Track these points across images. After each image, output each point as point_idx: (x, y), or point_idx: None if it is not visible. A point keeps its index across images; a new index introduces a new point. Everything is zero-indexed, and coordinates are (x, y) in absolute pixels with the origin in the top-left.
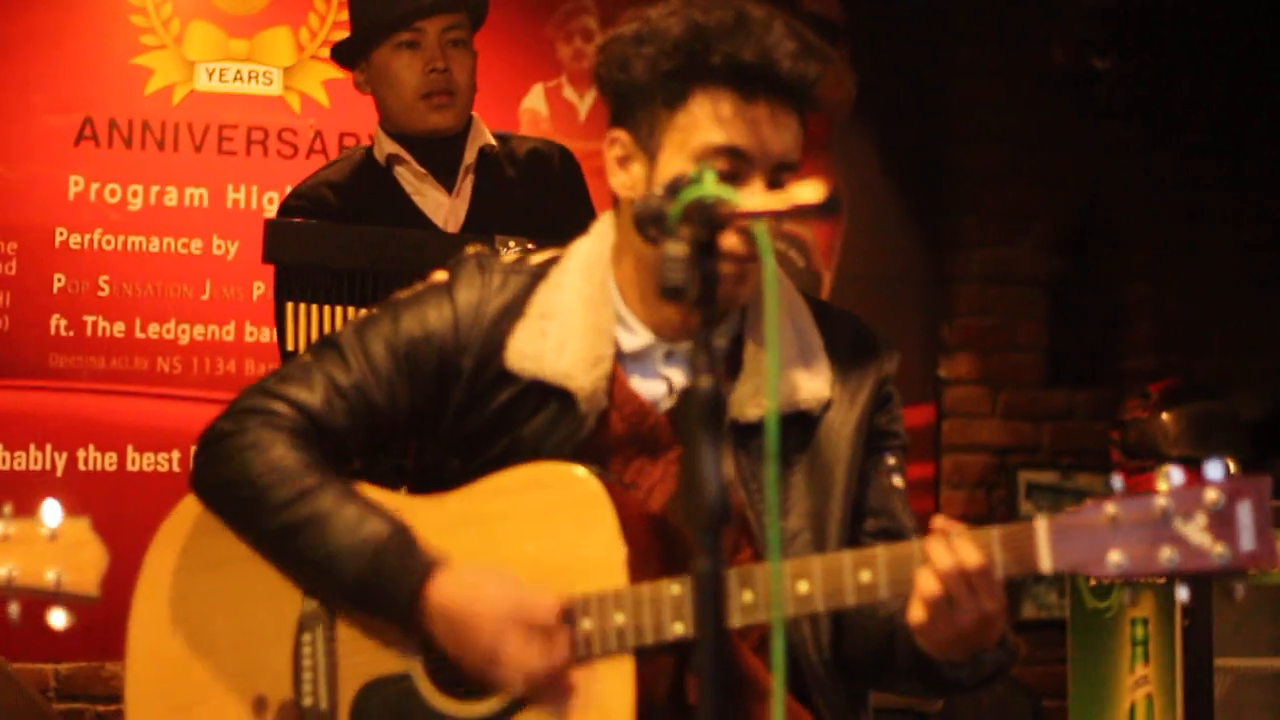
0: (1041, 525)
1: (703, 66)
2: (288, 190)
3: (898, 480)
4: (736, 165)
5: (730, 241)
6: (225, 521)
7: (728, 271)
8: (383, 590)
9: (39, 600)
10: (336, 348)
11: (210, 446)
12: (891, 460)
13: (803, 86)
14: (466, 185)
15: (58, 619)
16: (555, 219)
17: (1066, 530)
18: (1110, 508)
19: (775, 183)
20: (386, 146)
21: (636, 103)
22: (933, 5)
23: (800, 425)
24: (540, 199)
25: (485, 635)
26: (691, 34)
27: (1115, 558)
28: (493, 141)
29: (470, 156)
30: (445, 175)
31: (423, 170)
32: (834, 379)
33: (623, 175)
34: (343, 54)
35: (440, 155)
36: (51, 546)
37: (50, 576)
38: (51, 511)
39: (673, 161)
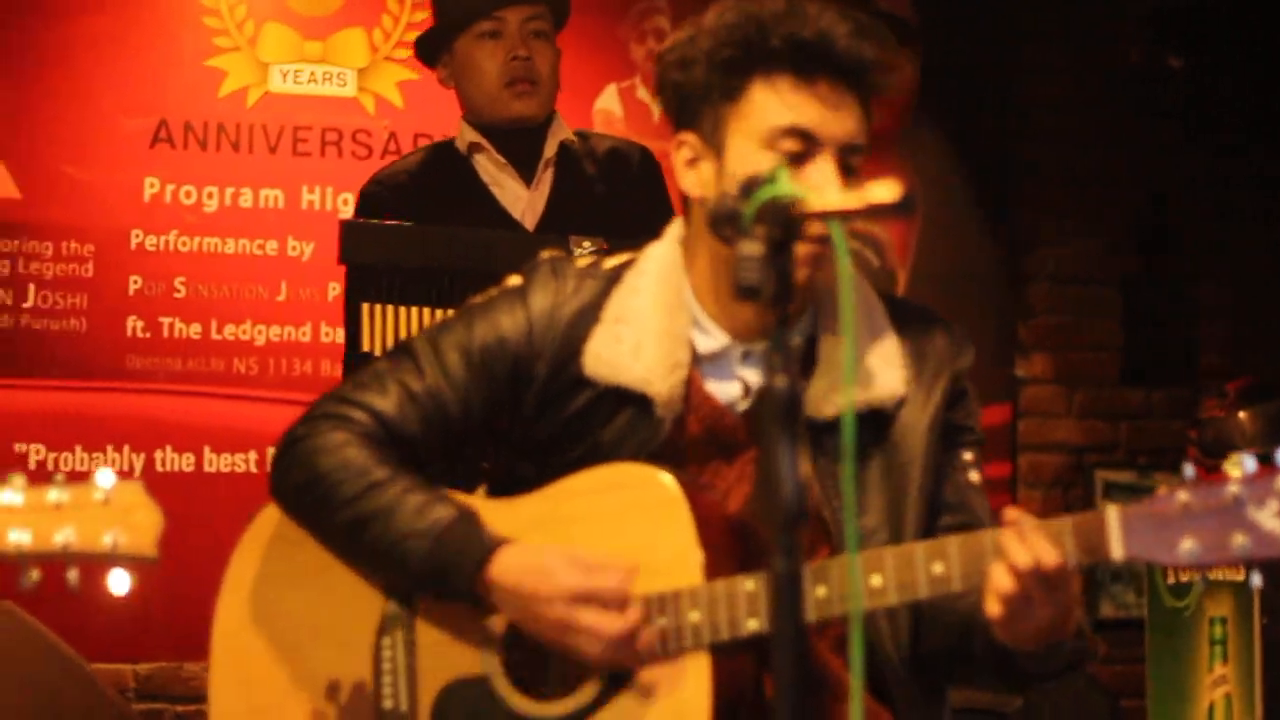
0: (1113, 514)
1: (760, 52)
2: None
3: (974, 475)
4: (804, 144)
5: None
6: (300, 522)
7: (805, 252)
8: (448, 570)
9: (99, 567)
10: (410, 354)
11: (285, 452)
12: (967, 455)
13: (860, 66)
14: (545, 179)
15: (118, 582)
16: (633, 218)
17: (1138, 518)
18: (1182, 495)
19: (845, 166)
20: (469, 135)
21: (698, 102)
22: (1004, 4)
23: (875, 422)
24: (619, 197)
25: (556, 606)
26: (746, 22)
27: (1187, 545)
28: (573, 137)
29: (550, 150)
30: (525, 167)
31: (502, 160)
32: (909, 375)
33: (692, 176)
34: (425, 47)
35: (521, 147)
36: (106, 510)
37: (107, 540)
38: (103, 477)
39: (740, 152)
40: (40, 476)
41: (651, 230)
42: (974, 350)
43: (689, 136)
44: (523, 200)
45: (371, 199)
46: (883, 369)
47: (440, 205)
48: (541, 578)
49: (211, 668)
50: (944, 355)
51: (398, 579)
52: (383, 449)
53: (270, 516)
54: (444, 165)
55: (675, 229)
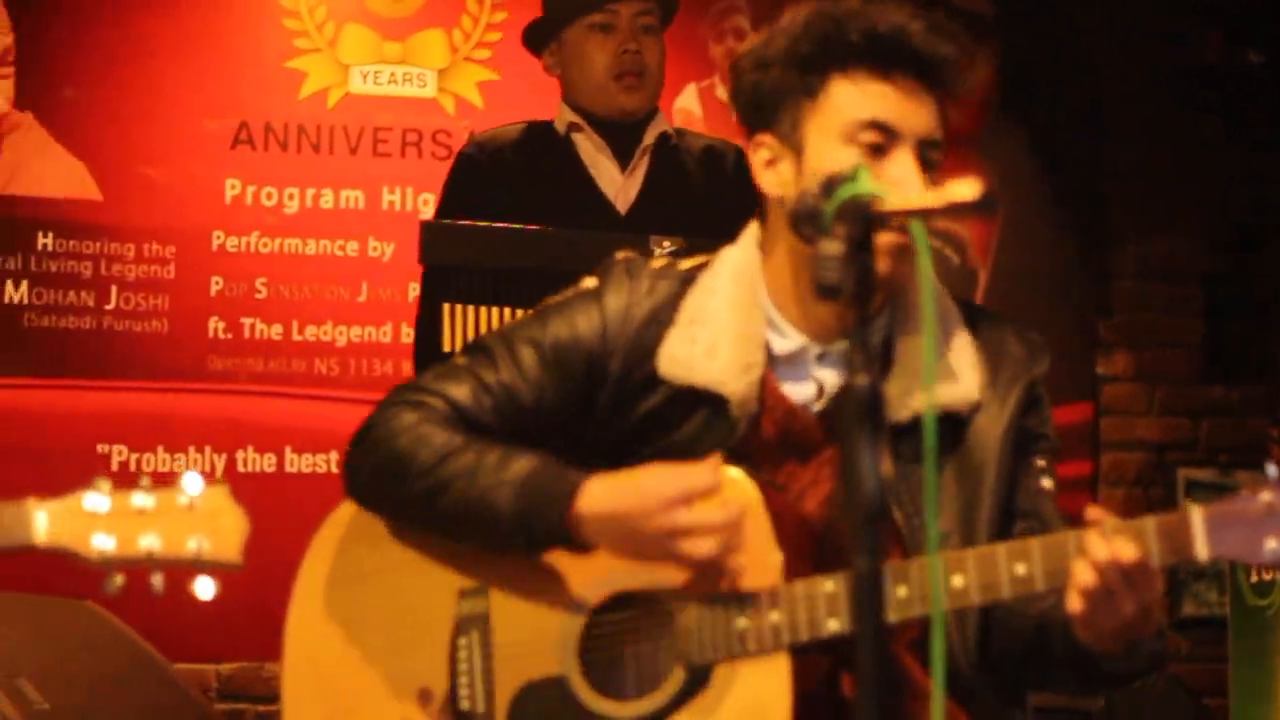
0: (1197, 514)
1: (838, 47)
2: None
3: (1046, 482)
4: (883, 137)
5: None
6: (377, 503)
7: (888, 242)
8: (537, 513)
9: (183, 573)
10: (484, 349)
11: (360, 440)
12: (1041, 462)
13: (936, 62)
14: (641, 167)
15: (203, 588)
16: (724, 215)
17: (1222, 518)
18: (1266, 495)
19: (925, 161)
20: (568, 116)
21: (776, 101)
22: (1084, 1)
23: (949, 426)
24: (712, 194)
25: (656, 518)
26: (823, 20)
27: (1272, 544)
28: (672, 130)
29: (649, 139)
30: (622, 153)
31: (601, 141)
32: (984, 381)
33: (771, 176)
34: (535, 35)
35: (620, 134)
36: (191, 516)
37: (192, 546)
38: (190, 481)
39: (820, 148)
40: (122, 477)
41: (738, 229)
42: (1049, 357)
43: (767, 137)
44: (617, 184)
45: (469, 162)
46: (958, 373)
47: (536, 179)
48: (634, 495)
49: (284, 669)
50: (1020, 361)
51: (486, 535)
52: (457, 428)
53: (343, 516)
54: (543, 140)
55: (751, 231)
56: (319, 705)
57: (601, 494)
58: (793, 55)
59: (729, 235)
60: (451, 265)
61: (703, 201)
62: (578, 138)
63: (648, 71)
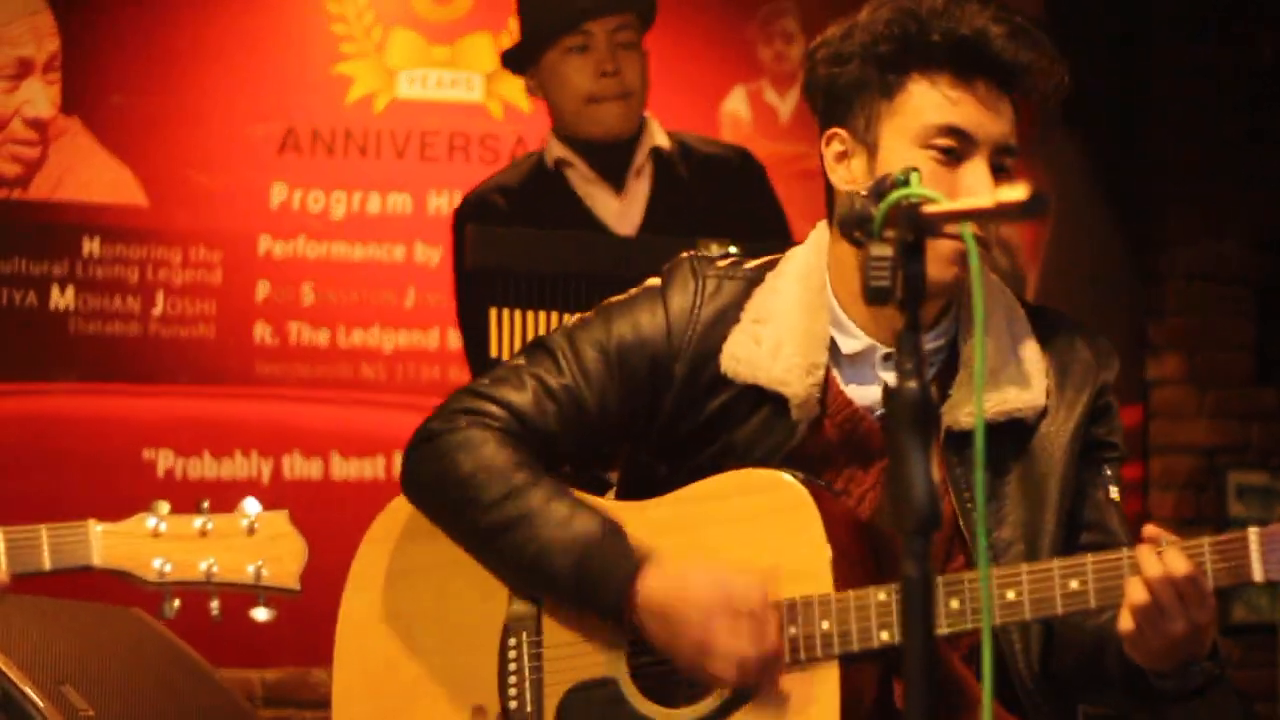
0: (1253, 535)
1: (919, 48)
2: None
3: (1114, 492)
4: (959, 144)
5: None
6: (434, 520)
7: (952, 250)
8: (593, 585)
9: (242, 597)
10: (548, 350)
11: (421, 445)
12: (1108, 471)
13: (1016, 68)
14: (638, 186)
15: (261, 614)
16: (734, 219)
17: (1278, 539)
18: None
19: (997, 166)
20: (556, 151)
21: (852, 96)
22: (1135, 1)
23: (1015, 434)
24: (718, 200)
25: (694, 627)
26: (906, 18)
27: None
28: (665, 143)
29: (640, 158)
30: (615, 177)
31: (591, 174)
32: (1050, 386)
33: (842, 171)
34: (513, 60)
35: (610, 158)
36: (250, 540)
37: (250, 570)
38: (250, 506)
39: (894, 149)
40: (168, 483)
41: (753, 232)
42: (1118, 363)
43: (840, 132)
44: (614, 209)
45: (461, 220)
46: (1024, 378)
47: (532, 220)
48: (682, 600)
49: (336, 664)
50: (1088, 367)
51: (538, 588)
52: (521, 448)
53: (394, 514)
54: (535, 180)
55: (819, 231)
56: (369, 704)
57: (657, 583)
58: (872, 52)
59: (741, 237)
60: (497, 269)
61: (707, 208)
62: (568, 172)
63: (630, 90)
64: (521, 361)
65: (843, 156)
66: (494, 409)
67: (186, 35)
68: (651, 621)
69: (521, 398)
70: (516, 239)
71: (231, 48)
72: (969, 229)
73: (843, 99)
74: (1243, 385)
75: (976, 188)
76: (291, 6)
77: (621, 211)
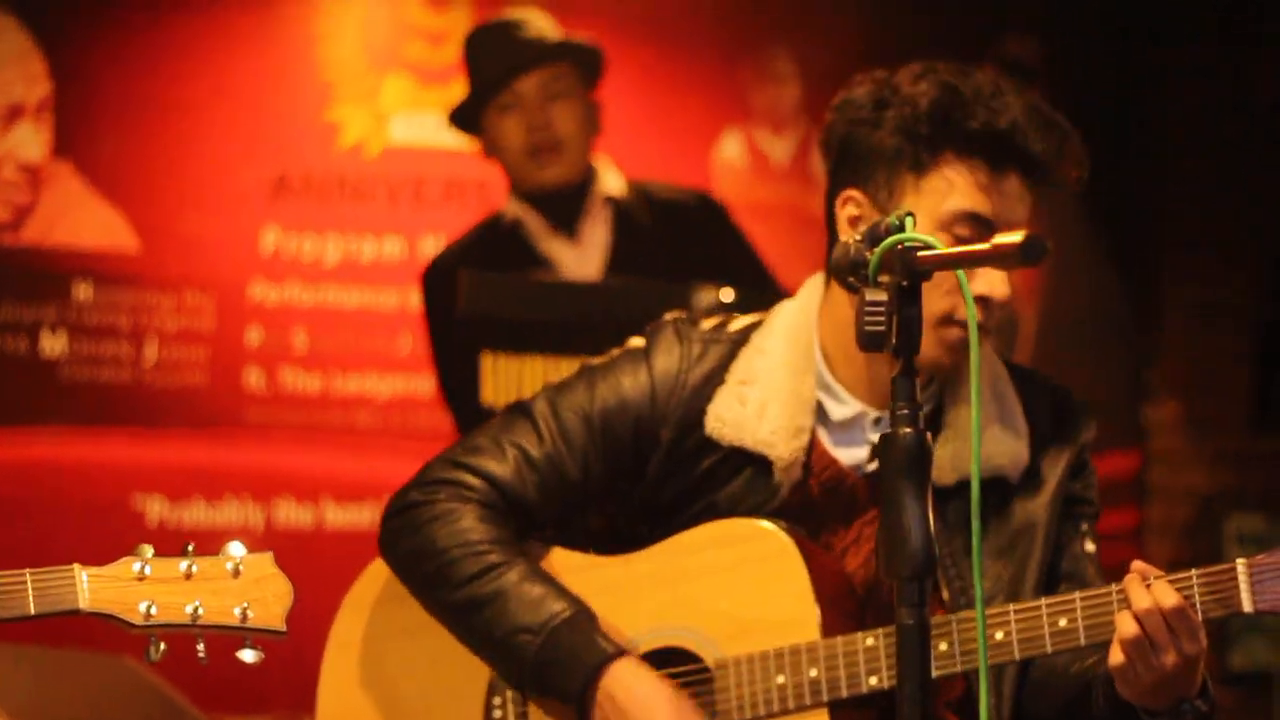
0: (1242, 566)
1: (959, 131)
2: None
3: (1090, 545)
4: (980, 232)
5: (964, 310)
6: (410, 590)
7: (954, 340)
8: (560, 672)
9: (228, 639)
10: (529, 417)
11: (398, 516)
12: (1085, 526)
13: (1047, 163)
14: (593, 233)
15: (248, 656)
16: (703, 263)
17: (1268, 570)
18: None
19: None
20: (512, 210)
21: (876, 164)
22: (1135, 42)
23: (997, 491)
24: (680, 244)
25: None
26: (950, 98)
27: None
28: (619, 191)
29: (592, 204)
30: (567, 225)
31: (545, 225)
32: (1032, 446)
33: (853, 233)
34: (459, 121)
35: (560, 207)
36: (236, 583)
37: (236, 612)
38: (235, 548)
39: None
40: (160, 530)
41: (724, 273)
42: (1096, 423)
43: (858, 194)
44: (573, 260)
45: (428, 285)
46: (1006, 438)
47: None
48: (643, 709)
49: None
50: (1068, 427)
51: (505, 668)
52: (499, 522)
53: (375, 573)
54: (495, 238)
55: (809, 288)
56: None
57: (624, 679)
58: (909, 125)
59: (704, 280)
60: (490, 315)
61: (670, 252)
62: (524, 231)
63: (562, 141)
64: (501, 428)
65: (856, 220)
66: (473, 480)
67: (178, 80)
68: (606, 711)
69: (501, 468)
70: (510, 285)
71: (224, 92)
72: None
73: (865, 163)
74: (1240, 430)
75: (989, 275)
76: (284, 51)
77: (578, 258)
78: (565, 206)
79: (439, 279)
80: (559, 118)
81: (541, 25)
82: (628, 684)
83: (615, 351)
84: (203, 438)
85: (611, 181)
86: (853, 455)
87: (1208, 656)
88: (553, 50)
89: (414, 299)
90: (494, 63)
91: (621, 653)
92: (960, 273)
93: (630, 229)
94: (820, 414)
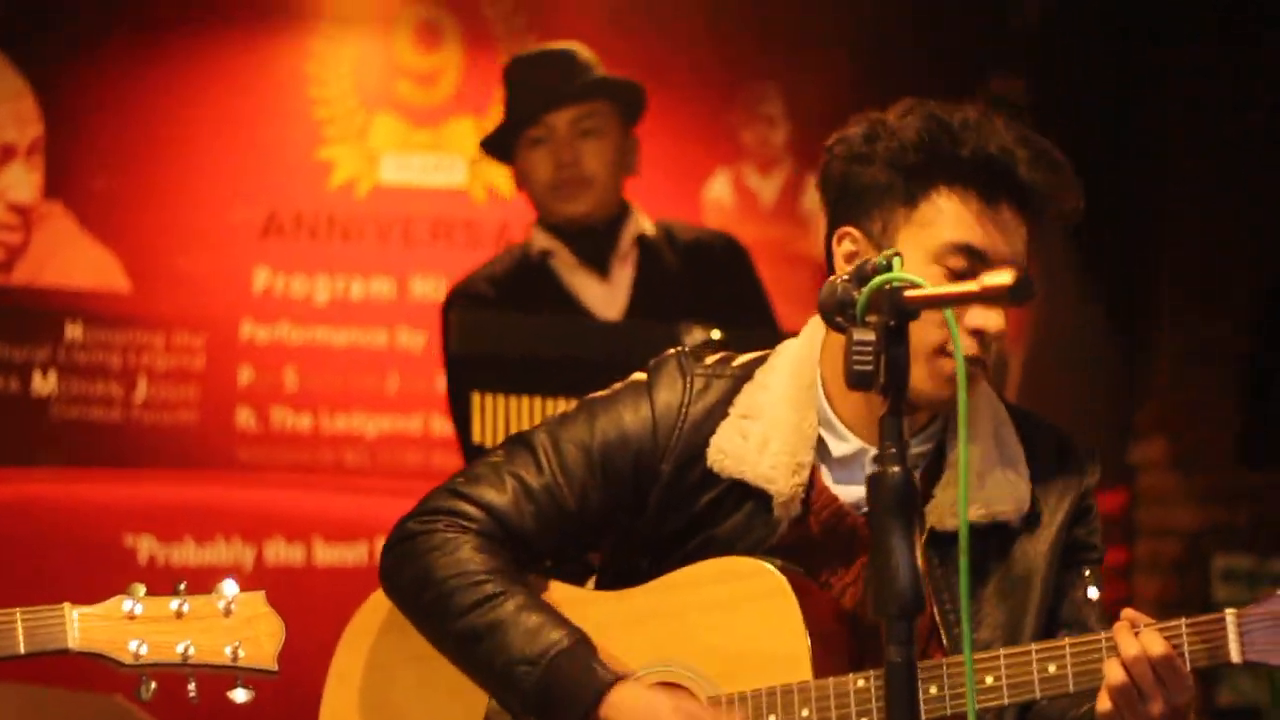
0: (1231, 616)
1: (949, 162)
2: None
3: (1093, 592)
4: (973, 264)
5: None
6: (411, 620)
7: (952, 371)
8: (560, 701)
9: (219, 678)
10: (529, 447)
11: (398, 546)
12: (1087, 572)
13: (1040, 192)
14: (624, 273)
15: (239, 696)
16: (720, 305)
17: (1256, 621)
18: None
19: None
20: (539, 241)
21: (870, 200)
22: (1119, 83)
23: (998, 536)
24: (704, 286)
25: None
26: (938, 129)
27: None
28: (649, 230)
29: (625, 245)
30: (599, 262)
31: (574, 261)
32: (1034, 491)
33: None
34: (492, 149)
35: (593, 244)
36: (227, 622)
37: (227, 651)
38: (227, 587)
39: (908, 257)
40: (150, 569)
41: (737, 318)
42: (1100, 468)
43: (854, 231)
44: (600, 297)
45: (450, 309)
46: (1008, 482)
47: (522, 311)
48: None
49: None
50: (1071, 472)
51: (506, 698)
52: (498, 551)
53: (374, 606)
54: (522, 269)
55: (812, 326)
56: None
57: (625, 704)
58: (899, 159)
59: (727, 323)
60: (480, 354)
61: (695, 293)
62: (552, 262)
63: (589, 178)
64: (501, 458)
65: (853, 256)
66: (472, 510)
67: (169, 120)
68: None
69: (501, 498)
70: (499, 324)
71: (214, 132)
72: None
73: (860, 199)
74: (1227, 468)
75: (982, 312)
76: (274, 90)
77: (606, 297)
78: (597, 243)
79: (461, 303)
80: (588, 155)
81: (583, 59)
82: (629, 705)
83: (617, 385)
84: (193, 477)
85: (642, 221)
86: (853, 493)
87: (1197, 692)
88: (590, 86)
89: (403, 338)
90: (529, 94)
91: (619, 678)
92: (949, 312)
93: (656, 268)
94: (822, 450)
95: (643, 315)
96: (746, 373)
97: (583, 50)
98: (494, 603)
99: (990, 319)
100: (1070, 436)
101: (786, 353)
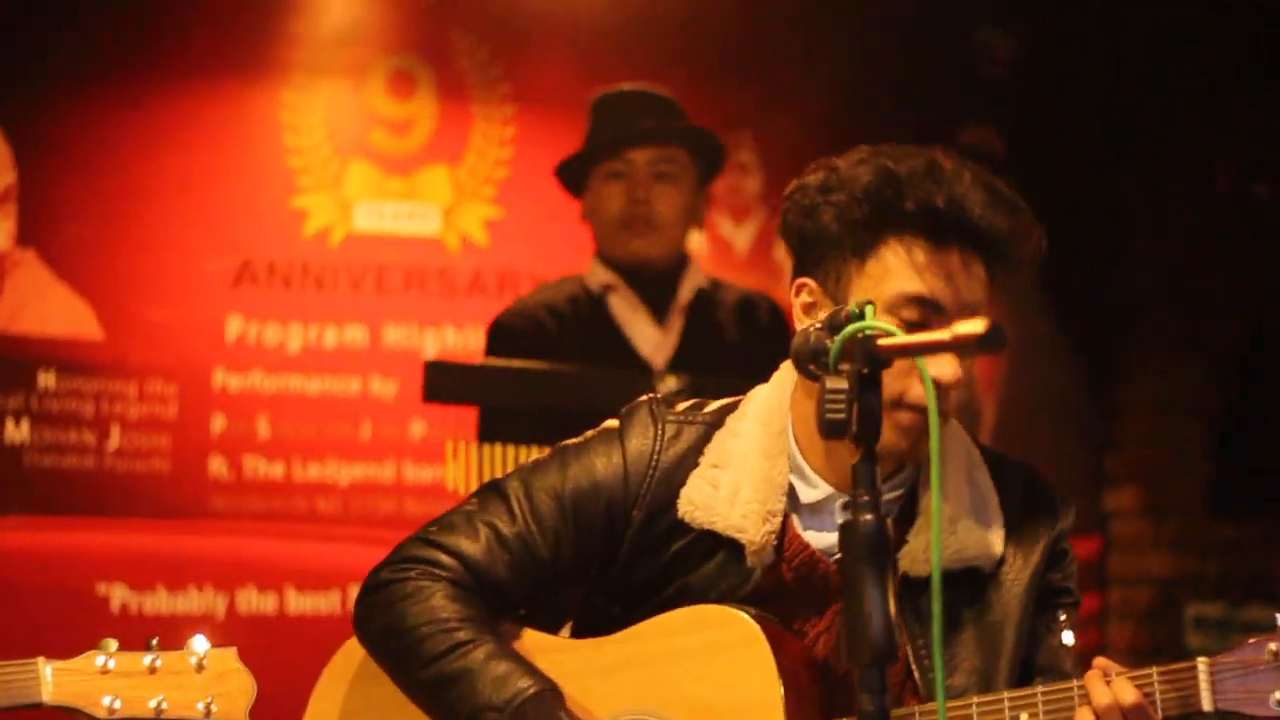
0: (1203, 664)
1: (895, 214)
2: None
3: (1068, 638)
4: (927, 315)
5: (915, 391)
6: (383, 667)
7: (909, 423)
8: None
9: None
10: (502, 496)
11: (371, 594)
12: (1063, 616)
13: (993, 236)
14: (678, 322)
15: None
16: (759, 367)
17: (1228, 669)
18: (1273, 645)
19: None
20: (600, 275)
21: (825, 251)
22: (1095, 134)
23: (971, 582)
24: (748, 345)
25: None
26: (883, 181)
27: (1279, 696)
28: (705, 284)
29: (686, 295)
30: (657, 308)
31: (635, 299)
32: (1007, 536)
33: (810, 322)
34: (566, 179)
35: (654, 289)
36: (199, 677)
37: (200, 707)
38: (199, 643)
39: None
40: (123, 618)
41: (761, 375)
42: (1074, 511)
43: (810, 283)
44: (653, 341)
45: (510, 332)
46: (981, 528)
47: (572, 342)
48: None
49: None
50: (1045, 516)
51: None
52: (470, 600)
53: (348, 654)
54: (579, 303)
55: (783, 374)
56: None
57: None
58: (848, 212)
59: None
60: (451, 403)
61: (738, 352)
62: (613, 299)
63: (658, 220)
64: (475, 507)
65: (810, 308)
66: (445, 558)
67: (143, 169)
68: None
69: (473, 547)
70: (474, 374)
71: (188, 180)
72: (924, 361)
73: (814, 250)
74: (1199, 517)
75: (936, 362)
76: (248, 138)
77: (659, 343)
78: (659, 288)
79: (511, 327)
80: (661, 197)
81: (672, 105)
82: None
83: (590, 433)
84: (165, 526)
85: (699, 275)
86: (824, 539)
87: None
88: (674, 131)
89: (376, 386)
90: (613, 128)
91: None
92: (920, 360)
93: (706, 323)
94: (792, 497)
95: (688, 367)
96: (718, 419)
97: (672, 98)
98: (463, 650)
99: (945, 369)
100: (1043, 476)
101: (758, 399)
